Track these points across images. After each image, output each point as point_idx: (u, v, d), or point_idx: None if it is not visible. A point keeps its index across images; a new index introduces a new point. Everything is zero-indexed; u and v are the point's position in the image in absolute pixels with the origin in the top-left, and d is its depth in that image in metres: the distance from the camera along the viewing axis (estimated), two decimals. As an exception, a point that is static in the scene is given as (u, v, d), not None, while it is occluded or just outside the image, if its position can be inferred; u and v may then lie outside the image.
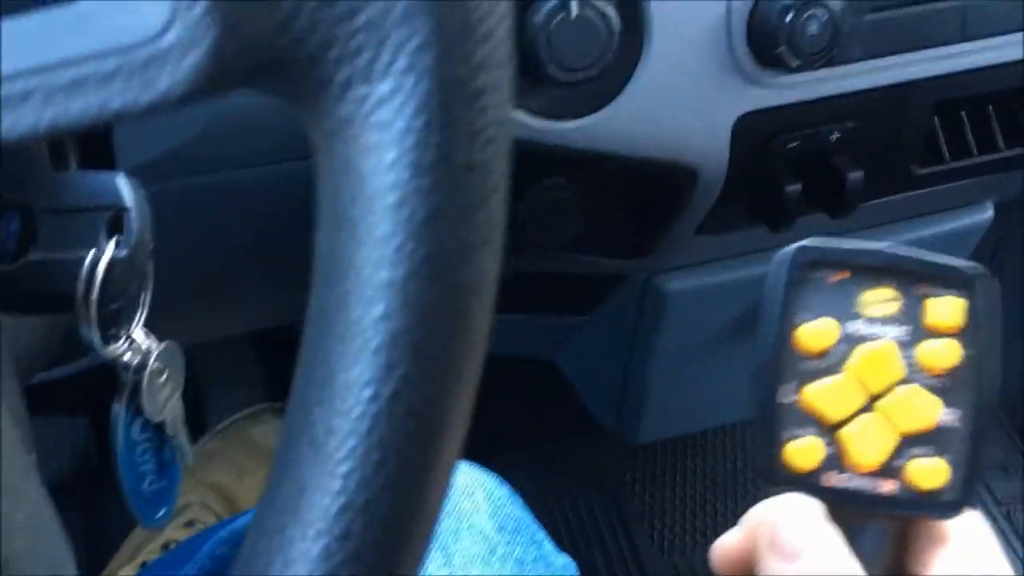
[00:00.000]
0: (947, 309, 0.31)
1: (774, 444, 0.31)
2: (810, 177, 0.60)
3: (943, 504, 0.30)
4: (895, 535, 0.31)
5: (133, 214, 0.36)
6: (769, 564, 0.28)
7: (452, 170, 0.20)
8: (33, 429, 0.91)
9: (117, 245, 0.36)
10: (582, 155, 0.56)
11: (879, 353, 0.31)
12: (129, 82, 0.19)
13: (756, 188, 0.61)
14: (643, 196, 0.60)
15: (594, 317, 0.79)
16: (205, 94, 0.19)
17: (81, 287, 0.35)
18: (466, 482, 0.46)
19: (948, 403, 0.31)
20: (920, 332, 0.31)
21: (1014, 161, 0.66)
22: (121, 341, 0.39)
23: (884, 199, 0.66)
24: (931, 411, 0.30)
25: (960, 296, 0.31)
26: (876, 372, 0.31)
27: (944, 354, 0.31)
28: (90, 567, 0.86)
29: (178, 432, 0.42)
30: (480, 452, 0.55)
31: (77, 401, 0.90)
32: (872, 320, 0.31)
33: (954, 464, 0.30)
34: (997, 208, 0.76)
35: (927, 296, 0.31)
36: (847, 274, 0.31)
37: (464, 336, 0.21)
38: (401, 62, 0.19)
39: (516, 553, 0.44)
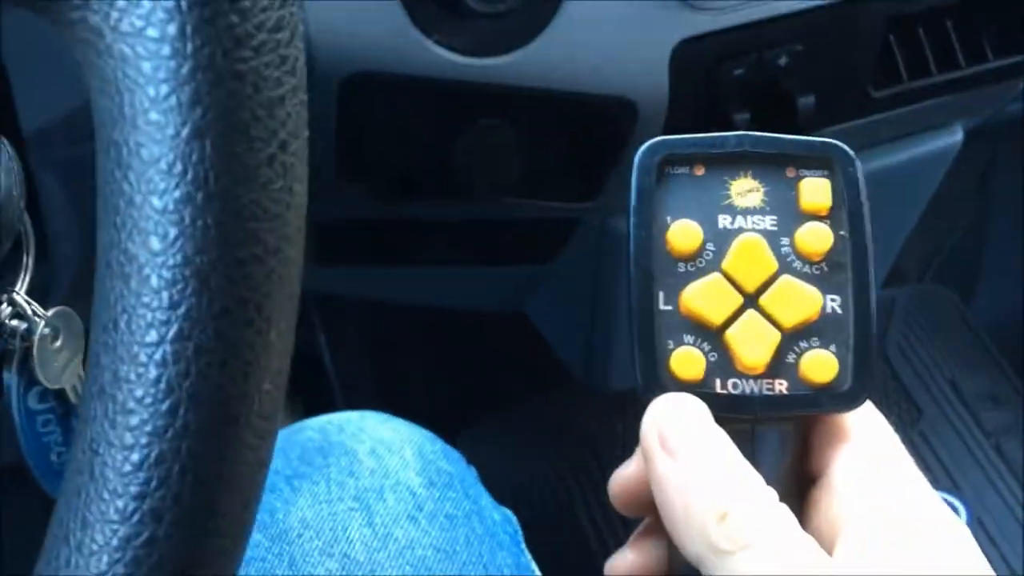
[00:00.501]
0: (817, 189, 0.29)
1: (658, 354, 0.29)
2: (759, 105, 0.58)
3: (838, 396, 0.29)
4: (795, 438, 0.29)
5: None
6: (656, 462, 0.26)
7: (216, 80, 0.18)
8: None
9: (-19, 204, 0.34)
10: (513, 92, 0.53)
11: (747, 247, 0.29)
12: None
13: (703, 119, 0.58)
14: (583, 133, 0.58)
15: (557, 265, 0.76)
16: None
17: (-56, 250, 0.33)
18: (394, 438, 0.44)
19: (828, 290, 0.29)
20: (792, 218, 0.30)
21: (977, 79, 0.63)
22: (2, 307, 0.37)
23: (841, 125, 0.63)
24: (811, 301, 0.29)
25: (824, 176, 0.30)
26: (748, 268, 0.29)
27: (818, 236, 0.29)
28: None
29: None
30: (454, 417, 0.54)
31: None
32: (743, 212, 0.30)
33: (843, 353, 0.29)
34: (973, 132, 0.74)
35: (797, 178, 0.30)
36: (704, 168, 0.30)
37: (257, 264, 0.19)
38: (147, -39, 0.17)
39: (446, 509, 0.43)
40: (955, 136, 0.73)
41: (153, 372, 0.19)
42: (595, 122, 0.57)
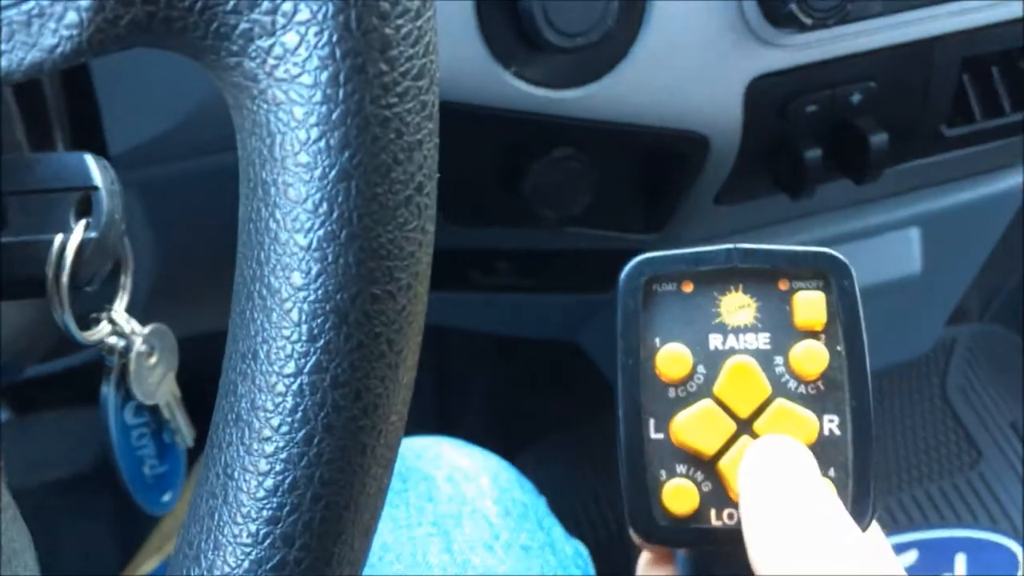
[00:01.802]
0: (811, 304, 0.28)
1: (649, 488, 0.28)
2: (831, 142, 0.58)
3: None
4: None
5: (103, 194, 0.35)
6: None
7: (363, 125, 0.18)
8: (60, 420, 0.92)
9: (87, 227, 0.35)
10: (587, 125, 0.54)
11: (739, 371, 0.28)
12: (12, 40, 0.17)
13: (774, 155, 0.58)
14: (654, 166, 0.58)
15: (613, 295, 0.77)
16: (95, 51, 0.18)
17: (51, 271, 0.34)
18: (470, 466, 0.45)
19: (825, 411, 0.28)
20: (786, 335, 0.28)
21: (1050, 119, 0.63)
22: (101, 325, 0.38)
23: (911, 163, 0.63)
24: (808, 426, 0.28)
25: (818, 288, 0.29)
26: (741, 393, 0.28)
27: (814, 356, 0.28)
28: (118, 557, 0.86)
29: (175, 415, 0.42)
30: (512, 441, 0.54)
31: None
32: (734, 331, 0.29)
33: (842, 477, 0.28)
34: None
35: (790, 292, 0.29)
36: (691, 285, 0.29)
37: (390, 300, 0.20)
38: (304, 11, 0.18)
39: (521, 539, 0.43)
40: (1020, 178, 0.72)
41: (290, 402, 0.19)
42: (666, 155, 0.57)
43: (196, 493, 0.20)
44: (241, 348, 0.20)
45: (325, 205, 0.19)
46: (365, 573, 0.42)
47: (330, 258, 0.19)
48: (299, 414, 0.19)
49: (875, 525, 0.29)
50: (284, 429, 0.19)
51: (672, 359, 0.28)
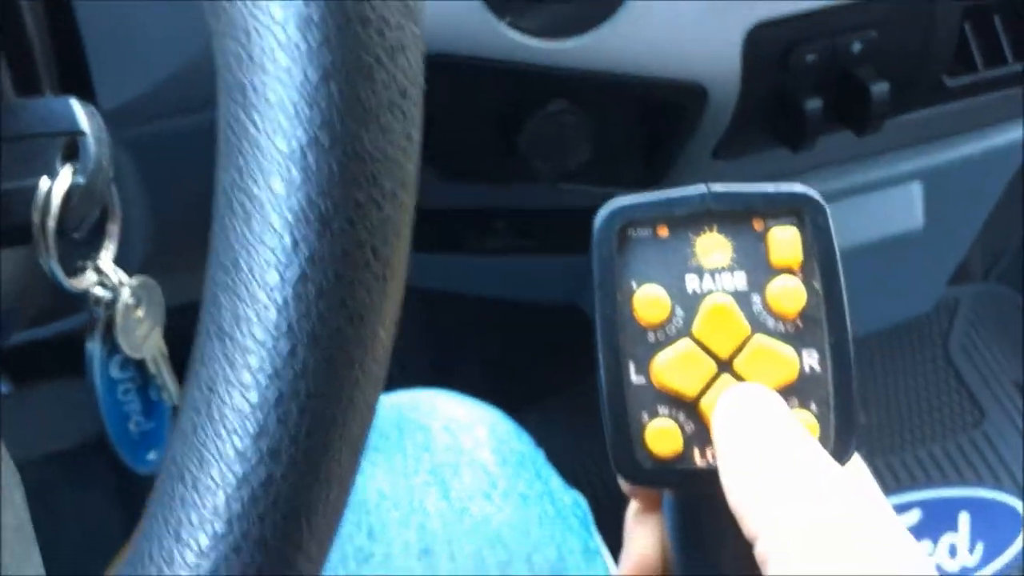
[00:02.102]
0: (786, 242, 0.28)
1: (631, 431, 0.28)
2: (832, 92, 0.57)
3: None
4: None
5: (89, 139, 0.35)
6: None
7: (343, 24, 0.18)
8: (58, 391, 0.91)
9: (74, 172, 0.34)
10: (583, 76, 0.53)
11: (717, 312, 0.28)
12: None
13: (774, 106, 0.58)
14: (651, 118, 0.57)
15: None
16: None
17: (37, 216, 0.34)
18: (467, 417, 0.44)
19: (804, 347, 0.28)
20: (763, 274, 0.28)
21: (1054, 68, 0.62)
22: (87, 274, 0.38)
23: (913, 115, 0.62)
24: (788, 363, 0.28)
25: (793, 225, 0.28)
26: (720, 333, 0.28)
27: (791, 293, 0.28)
28: (122, 527, 0.86)
29: (161, 371, 0.41)
30: (511, 403, 0.54)
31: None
32: (711, 272, 0.28)
33: (824, 412, 0.28)
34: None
35: (765, 230, 0.28)
36: (666, 229, 0.28)
37: (375, 208, 0.19)
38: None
39: (519, 488, 0.43)
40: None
41: (274, 313, 0.19)
42: (664, 107, 0.57)
43: (180, 411, 0.20)
44: (222, 259, 0.19)
45: (305, 108, 0.18)
46: (362, 519, 0.42)
47: (312, 163, 0.18)
48: (283, 325, 0.19)
49: (857, 458, 0.29)
50: (267, 341, 0.19)
51: (650, 302, 0.28)
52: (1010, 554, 0.87)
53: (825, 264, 0.28)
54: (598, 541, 0.45)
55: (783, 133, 0.59)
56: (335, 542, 0.40)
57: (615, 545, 0.47)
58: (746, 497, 0.25)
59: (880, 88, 0.56)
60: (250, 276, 0.19)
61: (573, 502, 0.45)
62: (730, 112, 0.56)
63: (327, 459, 0.20)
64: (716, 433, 0.27)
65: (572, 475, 0.53)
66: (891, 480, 0.90)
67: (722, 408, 0.27)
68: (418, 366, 0.95)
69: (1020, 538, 0.87)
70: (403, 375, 0.94)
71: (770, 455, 0.26)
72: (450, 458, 0.42)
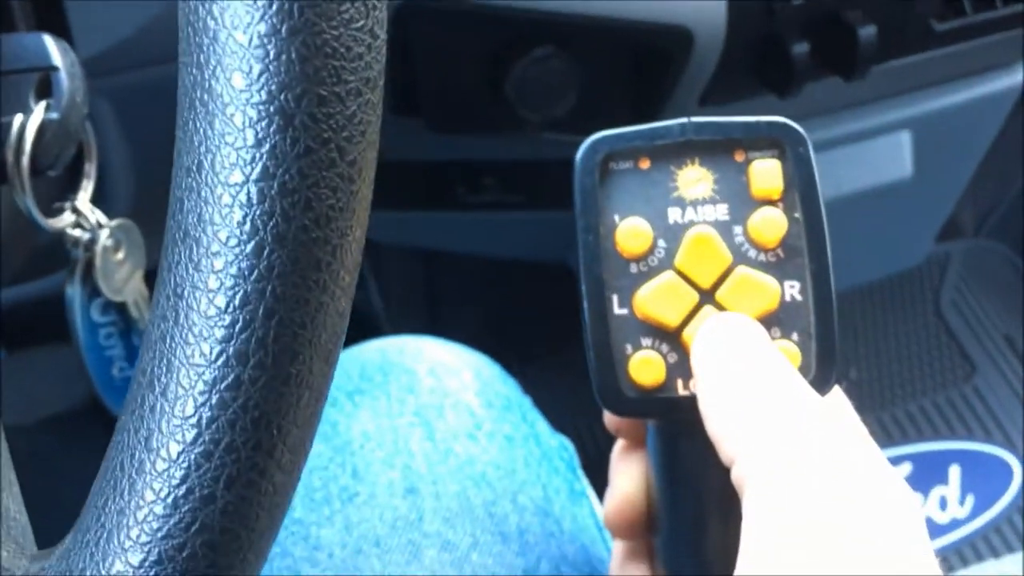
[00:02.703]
0: (767, 173, 0.28)
1: (615, 362, 0.28)
2: (819, 36, 0.56)
3: None
4: None
5: (63, 75, 0.34)
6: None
7: None
8: (51, 355, 0.91)
9: (47, 108, 0.34)
10: (567, 20, 0.52)
11: (699, 242, 0.28)
12: None
13: (760, 50, 0.57)
14: (637, 64, 0.57)
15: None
16: None
17: (11, 153, 0.33)
18: (453, 361, 0.44)
19: (785, 277, 0.28)
20: (744, 205, 0.28)
21: (1044, 12, 0.61)
22: (66, 214, 0.37)
23: (901, 60, 0.62)
24: (769, 292, 0.28)
25: (774, 157, 0.28)
26: (702, 263, 0.28)
27: (772, 223, 0.28)
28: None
29: (143, 314, 0.41)
30: (504, 362, 0.54)
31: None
32: (692, 203, 0.28)
33: (806, 341, 0.28)
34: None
35: (747, 162, 0.28)
36: (649, 161, 0.28)
37: (339, 104, 0.19)
38: None
39: (504, 430, 0.42)
40: (1016, 78, 0.71)
41: (238, 213, 0.18)
42: (651, 52, 0.56)
43: (149, 321, 0.20)
44: (186, 162, 0.19)
45: (265, -2, 0.18)
46: (346, 460, 0.42)
47: (271, 55, 0.18)
48: (247, 225, 0.18)
49: (838, 391, 0.29)
50: (232, 242, 0.18)
51: (632, 234, 0.28)
52: (1000, 506, 0.87)
53: (806, 194, 0.28)
54: (584, 483, 0.45)
55: (770, 78, 0.58)
56: (318, 480, 0.40)
57: (602, 492, 0.47)
58: (723, 422, 0.25)
59: (868, 32, 0.56)
60: (213, 176, 0.19)
61: (559, 445, 0.45)
62: (716, 57, 0.56)
63: (297, 363, 0.19)
64: (695, 360, 0.27)
65: (560, 427, 0.53)
66: (882, 435, 0.90)
67: (702, 336, 0.27)
68: (411, 324, 0.95)
69: (1010, 490, 0.88)
70: (396, 333, 0.94)
71: (748, 382, 0.26)
72: (435, 400, 0.42)
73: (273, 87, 0.18)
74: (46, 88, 0.34)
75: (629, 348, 0.28)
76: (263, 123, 0.18)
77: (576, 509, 0.42)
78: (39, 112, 0.33)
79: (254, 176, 0.18)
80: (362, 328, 0.95)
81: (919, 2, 0.59)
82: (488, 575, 0.38)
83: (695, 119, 0.29)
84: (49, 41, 0.34)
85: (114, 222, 0.39)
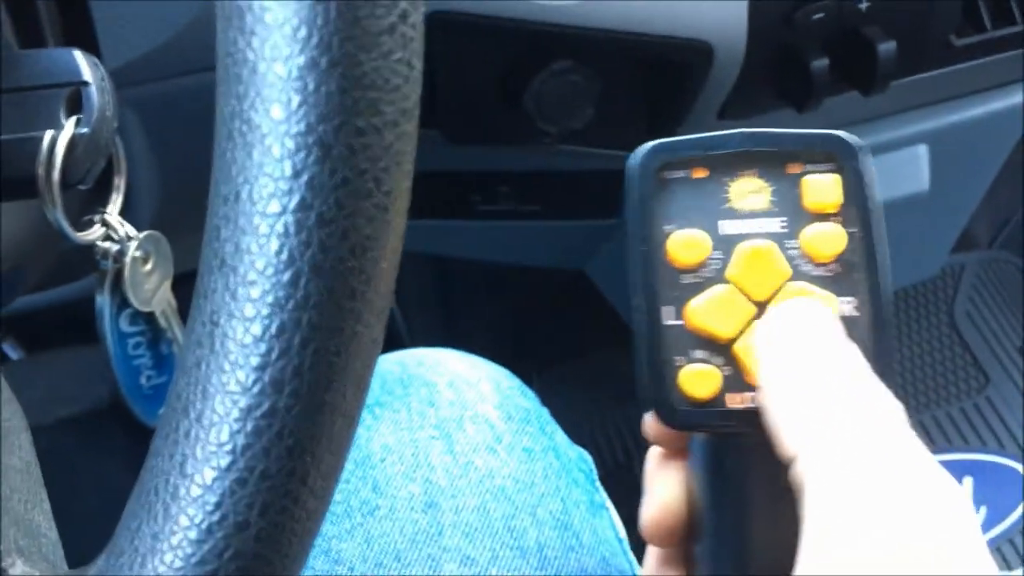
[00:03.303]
0: (823, 187, 0.28)
1: (665, 374, 0.28)
2: (839, 51, 0.57)
3: None
4: None
5: (92, 89, 0.35)
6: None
7: None
8: (72, 357, 0.91)
9: (77, 123, 0.34)
10: (587, 34, 0.53)
11: (754, 255, 0.28)
12: None
13: (780, 65, 0.57)
14: (657, 79, 0.57)
15: (619, 219, 0.76)
16: None
17: (42, 168, 0.34)
18: (471, 373, 0.45)
19: (842, 292, 0.28)
20: (799, 218, 0.28)
21: (1063, 28, 0.61)
22: (95, 227, 0.38)
23: (920, 75, 0.62)
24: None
25: (832, 171, 0.28)
26: (757, 276, 0.28)
27: (829, 238, 0.28)
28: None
29: (172, 324, 0.41)
30: (519, 371, 0.55)
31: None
32: (746, 215, 0.28)
33: None
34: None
35: (803, 175, 0.28)
36: (705, 171, 0.28)
37: (376, 135, 0.19)
38: None
39: (524, 443, 0.43)
40: (1033, 92, 0.71)
41: (275, 243, 0.19)
42: (670, 66, 0.56)
43: (184, 346, 0.20)
44: (223, 191, 0.19)
45: (304, 29, 0.18)
46: (367, 473, 0.42)
47: (311, 87, 0.18)
48: (284, 255, 0.19)
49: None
50: (269, 271, 0.19)
51: (685, 245, 0.28)
52: (1013, 517, 0.87)
53: (863, 209, 0.28)
54: (603, 496, 0.45)
55: (789, 93, 0.59)
56: (339, 494, 0.41)
57: (620, 503, 0.47)
58: (788, 415, 0.24)
59: (887, 47, 0.56)
60: (251, 206, 0.19)
61: (578, 457, 0.46)
62: (736, 71, 0.56)
63: (331, 392, 0.20)
64: (760, 345, 0.26)
65: (577, 435, 0.53)
66: (895, 445, 0.90)
67: (770, 320, 0.26)
68: (429, 333, 0.95)
69: (1023, 502, 0.88)
70: (414, 342, 0.94)
71: (819, 373, 0.25)
72: (455, 413, 0.42)
73: (312, 119, 0.19)
74: (76, 103, 0.35)
75: (680, 360, 0.28)
76: (301, 154, 0.19)
77: (596, 521, 0.42)
78: (69, 127, 0.34)
79: (291, 207, 0.19)
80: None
81: (938, 17, 0.59)
82: (507, 589, 0.38)
83: (751, 130, 0.29)
84: (79, 56, 0.35)
85: (143, 234, 0.39)
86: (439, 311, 0.98)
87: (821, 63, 0.56)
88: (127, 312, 0.40)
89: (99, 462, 0.91)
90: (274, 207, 0.19)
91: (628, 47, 0.54)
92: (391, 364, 0.45)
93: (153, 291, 0.40)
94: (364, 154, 0.19)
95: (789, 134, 0.29)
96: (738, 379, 0.28)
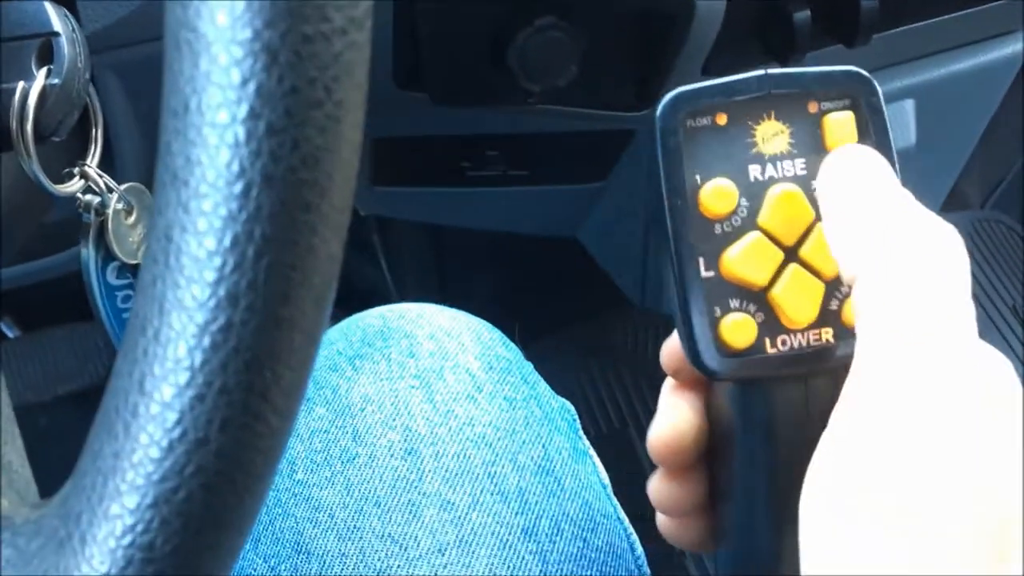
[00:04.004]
0: (844, 124, 0.28)
1: (706, 326, 0.28)
2: (821, 3, 0.56)
3: None
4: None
5: (63, 40, 0.35)
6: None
7: None
8: (69, 334, 0.91)
9: (48, 74, 0.34)
10: (569, -12, 0.52)
11: (783, 200, 0.28)
12: None
13: (762, 18, 0.57)
14: (639, 34, 0.57)
15: (608, 183, 0.76)
16: None
17: (15, 120, 0.34)
18: (451, 325, 0.45)
19: None
20: (820, 158, 0.28)
21: (1048, -22, 0.61)
22: (75, 180, 0.38)
23: (905, 27, 0.62)
24: None
25: (847, 108, 0.28)
26: (786, 221, 0.28)
27: None
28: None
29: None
30: (519, 333, 0.55)
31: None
32: (772, 159, 0.28)
33: None
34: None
35: (822, 114, 0.28)
36: (725, 116, 0.28)
37: (324, 42, 0.19)
38: None
39: (505, 391, 0.43)
40: (1017, 46, 0.71)
41: (225, 153, 0.19)
42: (653, 19, 0.56)
43: (142, 265, 0.20)
44: (172, 104, 0.19)
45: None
46: (347, 423, 0.42)
47: None
48: (235, 165, 0.19)
49: None
50: (220, 183, 0.19)
51: (717, 194, 0.28)
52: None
53: (880, 144, 0.28)
54: (586, 444, 0.45)
55: (772, 46, 0.58)
56: (319, 443, 0.41)
57: (611, 467, 0.47)
58: (849, 237, 0.25)
59: (870, -2, 0.55)
60: (199, 116, 0.19)
61: (561, 407, 0.46)
62: (718, 24, 0.56)
63: (288, 306, 0.20)
64: (823, 178, 0.27)
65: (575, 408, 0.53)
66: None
67: (831, 158, 0.27)
68: (421, 299, 0.95)
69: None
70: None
71: (877, 199, 0.25)
72: (435, 363, 0.42)
73: (258, 24, 0.18)
74: (47, 54, 0.35)
75: (718, 311, 0.28)
76: (248, 61, 0.19)
77: (578, 467, 0.43)
78: (40, 78, 0.34)
79: (240, 116, 0.19)
80: (373, 304, 0.95)
81: (922, -32, 0.59)
82: (487, 534, 0.38)
83: (772, 71, 0.29)
84: (49, 7, 0.35)
85: (124, 186, 0.39)
86: (433, 280, 0.98)
87: (803, 15, 0.56)
88: (113, 265, 0.40)
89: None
90: (223, 116, 0.19)
91: (610, 2, 0.54)
92: (372, 318, 0.45)
93: (138, 243, 0.40)
94: (312, 62, 0.19)
95: (808, 73, 0.29)
96: (774, 325, 0.28)
